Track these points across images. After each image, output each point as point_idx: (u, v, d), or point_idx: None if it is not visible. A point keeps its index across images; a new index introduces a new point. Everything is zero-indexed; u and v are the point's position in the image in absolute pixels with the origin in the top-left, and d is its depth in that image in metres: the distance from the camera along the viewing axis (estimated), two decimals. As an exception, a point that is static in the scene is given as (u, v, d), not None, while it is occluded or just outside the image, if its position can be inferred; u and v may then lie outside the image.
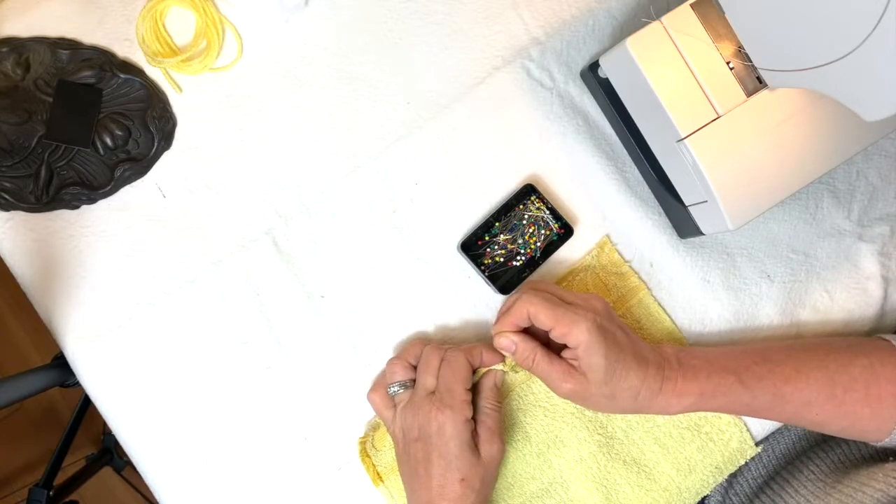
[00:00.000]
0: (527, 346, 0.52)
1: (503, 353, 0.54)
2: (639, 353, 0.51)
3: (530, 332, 0.54)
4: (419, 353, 0.56)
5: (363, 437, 0.59)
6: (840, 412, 0.52)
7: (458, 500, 0.50)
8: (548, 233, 0.59)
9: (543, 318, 0.51)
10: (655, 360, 0.52)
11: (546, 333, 0.52)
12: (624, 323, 0.54)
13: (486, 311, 0.60)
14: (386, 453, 0.58)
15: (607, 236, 0.60)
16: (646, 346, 0.53)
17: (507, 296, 0.59)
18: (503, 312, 0.54)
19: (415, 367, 0.56)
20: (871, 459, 0.57)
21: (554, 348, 0.53)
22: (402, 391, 0.55)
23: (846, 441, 0.59)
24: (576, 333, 0.49)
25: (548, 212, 0.59)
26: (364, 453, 0.58)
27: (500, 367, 0.56)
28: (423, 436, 0.52)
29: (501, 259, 0.59)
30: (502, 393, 0.58)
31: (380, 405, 0.56)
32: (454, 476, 0.50)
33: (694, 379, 0.51)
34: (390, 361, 0.57)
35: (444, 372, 0.53)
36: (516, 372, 0.57)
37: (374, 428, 0.59)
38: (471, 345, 0.56)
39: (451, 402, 0.51)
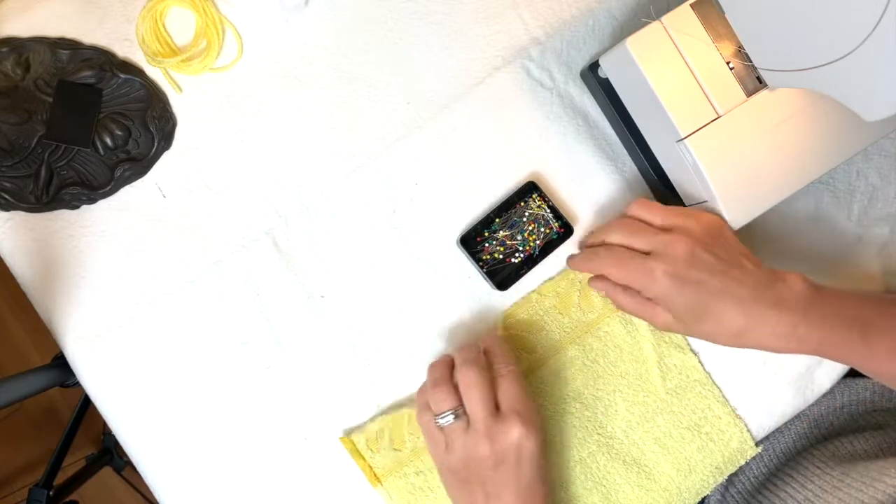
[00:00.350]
0: (608, 287, 0.54)
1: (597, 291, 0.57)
2: (735, 292, 0.48)
3: None
4: (449, 370, 0.53)
5: (346, 437, 0.58)
6: None
7: (544, 499, 0.51)
8: (548, 231, 0.59)
9: (616, 275, 0.51)
10: (772, 298, 0.49)
11: None
12: (732, 249, 0.51)
13: (486, 311, 0.60)
14: (384, 455, 0.57)
15: None
16: (763, 281, 0.49)
17: (584, 250, 0.58)
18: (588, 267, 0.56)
19: (456, 388, 0.52)
20: (876, 457, 0.56)
21: None
22: (454, 421, 0.50)
23: (849, 440, 0.59)
24: (650, 288, 0.49)
25: (549, 210, 0.59)
26: (356, 454, 0.58)
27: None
28: (499, 460, 0.49)
29: (500, 255, 0.59)
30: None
31: (433, 432, 0.52)
32: (539, 485, 0.51)
33: (819, 327, 0.49)
34: (433, 389, 0.52)
35: (509, 391, 0.51)
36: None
37: (360, 429, 0.58)
38: (480, 347, 0.55)
39: (532, 417, 0.50)
